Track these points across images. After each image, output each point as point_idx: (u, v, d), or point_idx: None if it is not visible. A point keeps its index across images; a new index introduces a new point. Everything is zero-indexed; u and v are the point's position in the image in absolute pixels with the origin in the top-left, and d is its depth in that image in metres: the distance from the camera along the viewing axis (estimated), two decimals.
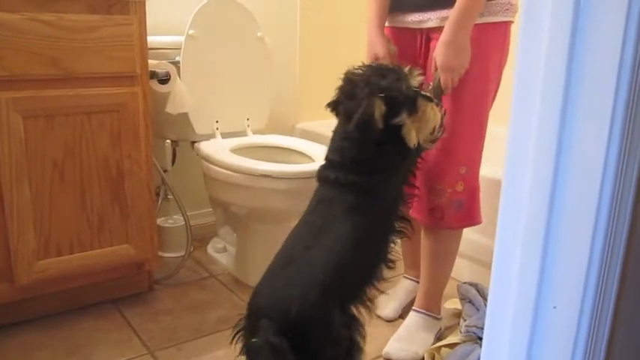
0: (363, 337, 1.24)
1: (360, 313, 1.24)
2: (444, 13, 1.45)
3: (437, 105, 1.34)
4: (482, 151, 1.57)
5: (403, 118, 1.27)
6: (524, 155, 0.70)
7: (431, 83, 1.44)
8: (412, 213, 1.59)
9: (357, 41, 1.98)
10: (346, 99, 1.32)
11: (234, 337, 1.23)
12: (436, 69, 1.43)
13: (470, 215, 1.57)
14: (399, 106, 1.26)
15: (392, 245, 1.34)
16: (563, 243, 0.68)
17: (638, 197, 0.65)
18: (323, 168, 1.35)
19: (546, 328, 0.71)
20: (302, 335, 1.12)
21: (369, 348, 1.44)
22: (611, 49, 0.60)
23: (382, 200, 1.31)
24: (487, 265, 1.89)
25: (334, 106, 1.38)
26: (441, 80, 1.41)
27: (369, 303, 1.26)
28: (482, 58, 1.44)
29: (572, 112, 0.65)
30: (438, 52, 1.41)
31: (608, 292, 0.68)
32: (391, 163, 1.32)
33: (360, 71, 1.33)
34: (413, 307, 1.70)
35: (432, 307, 1.67)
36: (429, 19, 1.51)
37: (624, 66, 0.60)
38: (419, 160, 1.43)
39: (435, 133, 1.34)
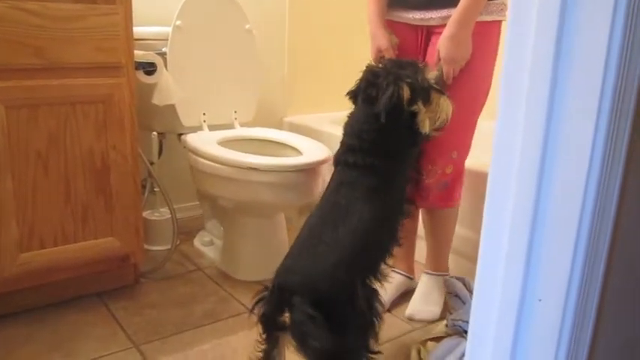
0: (382, 306, 1.35)
1: (376, 285, 1.34)
2: (444, 12, 1.56)
3: (448, 97, 1.46)
4: (472, 138, 1.70)
5: (419, 106, 1.39)
6: (510, 150, 0.70)
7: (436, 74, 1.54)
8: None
9: (346, 34, 1.97)
10: (367, 87, 1.42)
11: (253, 307, 1.26)
12: (439, 60, 1.53)
13: (451, 196, 1.71)
14: (416, 95, 1.38)
15: (401, 225, 1.45)
16: (549, 237, 0.68)
17: (624, 191, 0.65)
18: (341, 152, 1.44)
19: (531, 321, 0.71)
20: (331, 309, 1.18)
21: None
22: (598, 45, 0.60)
23: (395, 183, 1.42)
24: (473, 260, 1.90)
25: (354, 95, 1.47)
26: (444, 71, 1.53)
27: (381, 276, 1.36)
28: (481, 53, 1.56)
29: (558, 108, 0.64)
30: (442, 45, 1.51)
31: (593, 285, 0.68)
32: (404, 148, 1.44)
33: (381, 64, 1.46)
34: (424, 271, 1.85)
35: (440, 267, 1.83)
36: (430, 17, 1.62)
37: (611, 61, 0.60)
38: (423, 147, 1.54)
39: (445, 122, 1.45)
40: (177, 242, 2.11)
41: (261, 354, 1.26)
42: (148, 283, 1.93)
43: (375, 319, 1.29)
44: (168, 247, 2.04)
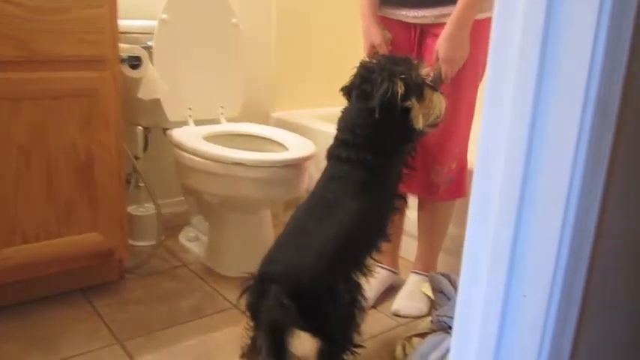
0: (365, 299, 1.36)
1: (361, 279, 1.36)
2: (437, 10, 1.59)
3: (441, 94, 1.47)
4: (470, 131, 1.74)
5: (413, 102, 1.40)
6: (496, 147, 0.70)
7: (432, 73, 1.54)
8: (412, 189, 1.74)
9: (333, 30, 1.96)
10: (362, 83, 1.42)
11: (240, 296, 1.30)
12: (437, 60, 1.55)
13: (459, 188, 1.77)
14: (409, 91, 1.39)
15: (390, 221, 1.46)
16: (533, 233, 0.69)
17: (608, 188, 0.66)
18: (334, 147, 1.44)
19: (516, 316, 0.71)
20: (311, 301, 1.21)
21: None
22: (584, 42, 0.60)
23: (386, 179, 1.43)
24: (458, 255, 1.91)
25: (348, 90, 1.47)
26: (442, 71, 1.54)
27: (366, 270, 1.38)
28: (478, 51, 1.59)
29: (543, 107, 0.65)
30: (441, 45, 1.53)
31: (577, 281, 0.68)
32: (397, 144, 1.45)
33: (375, 60, 1.46)
34: (412, 270, 1.88)
35: (430, 267, 1.86)
36: (423, 15, 1.64)
37: (596, 59, 0.60)
38: (417, 144, 1.56)
39: (438, 119, 1.46)
40: (162, 238, 2.10)
41: (249, 342, 1.30)
42: (132, 279, 1.91)
43: (357, 313, 1.31)
44: (153, 242, 2.02)
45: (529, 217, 0.68)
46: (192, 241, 2.22)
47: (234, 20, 2.20)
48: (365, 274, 1.37)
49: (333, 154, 1.44)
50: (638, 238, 0.82)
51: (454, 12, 1.51)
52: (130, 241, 2.00)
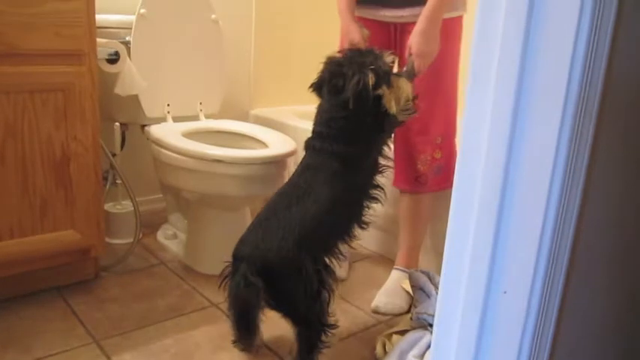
0: (335, 281, 1.44)
1: (332, 263, 1.43)
2: (416, 10, 1.62)
3: (410, 81, 1.54)
4: (455, 123, 1.80)
5: (384, 89, 1.45)
6: (477, 145, 0.70)
7: (405, 67, 1.62)
8: (399, 184, 1.84)
9: (312, 28, 1.96)
10: (332, 78, 1.47)
11: (221, 284, 1.41)
12: (410, 54, 1.60)
13: (448, 178, 1.79)
14: (379, 80, 1.44)
15: (366, 209, 1.52)
16: (514, 230, 0.69)
17: (587, 186, 0.66)
18: (310, 139, 1.51)
19: (496, 312, 0.72)
20: (277, 278, 1.32)
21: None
22: (564, 41, 0.61)
23: (361, 168, 1.49)
24: (437, 252, 1.92)
25: (317, 86, 1.53)
26: (415, 65, 1.59)
27: (340, 255, 1.46)
28: (451, 46, 1.69)
29: (524, 106, 0.65)
30: (413, 40, 1.59)
31: (557, 278, 0.69)
32: (371, 134, 1.50)
33: (341, 54, 1.51)
34: (394, 267, 1.91)
35: (411, 264, 1.90)
36: (401, 15, 1.70)
37: (577, 56, 0.61)
38: (393, 134, 1.63)
39: (409, 103, 1.52)
40: (140, 235, 2.07)
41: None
42: (109, 277, 1.88)
43: (325, 293, 1.38)
44: (131, 240, 1.99)
45: (510, 213, 0.69)
46: (171, 239, 2.19)
47: (213, 16, 2.18)
48: (337, 258, 1.45)
49: (309, 145, 1.51)
50: (617, 233, 0.84)
51: (425, 9, 1.57)
52: (107, 239, 1.97)
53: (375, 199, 1.55)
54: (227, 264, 1.41)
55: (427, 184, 1.79)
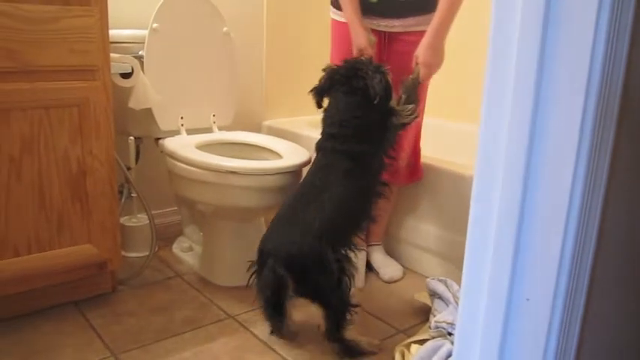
0: (355, 268, 1.56)
1: (348, 253, 1.55)
2: (407, 21, 1.77)
3: (414, 88, 1.69)
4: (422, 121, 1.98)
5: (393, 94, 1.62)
6: (496, 151, 0.69)
7: (411, 75, 1.71)
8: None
9: (323, 38, 1.97)
10: (347, 80, 1.58)
11: (249, 280, 1.59)
12: (416, 64, 1.70)
13: (417, 171, 1.98)
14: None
15: (374, 204, 1.63)
16: (536, 236, 0.68)
17: (609, 191, 0.65)
18: (322, 140, 1.62)
19: (519, 320, 0.70)
20: (302, 268, 1.45)
21: None
22: (583, 42, 0.60)
23: (369, 167, 1.59)
24: (454, 261, 1.90)
25: (318, 92, 1.65)
26: (420, 74, 1.69)
27: (354, 247, 1.57)
28: None
29: (542, 110, 0.64)
30: (421, 52, 1.70)
31: (580, 284, 0.67)
32: (379, 134, 1.61)
33: (343, 64, 1.63)
34: (374, 243, 2.12)
35: (381, 238, 2.15)
36: (394, 25, 1.81)
37: (595, 59, 0.60)
38: (397, 135, 1.71)
39: (412, 107, 1.66)
40: (156, 248, 2.07)
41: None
42: (125, 291, 1.89)
43: (346, 279, 1.50)
44: (147, 253, 2.00)
45: (531, 219, 0.68)
46: (186, 251, 2.20)
47: (225, 29, 2.19)
48: (352, 249, 1.56)
49: (320, 147, 1.61)
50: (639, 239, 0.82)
51: (434, 23, 1.69)
52: (123, 253, 1.98)
53: (382, 195, 1.66)
54: (250, 262, 1.58)
55: (400, 179, 1.97)
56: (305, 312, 1.68)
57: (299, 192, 1.58)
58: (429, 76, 1.73)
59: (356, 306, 1.54)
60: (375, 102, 1.53)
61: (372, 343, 1.59)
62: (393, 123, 1.62)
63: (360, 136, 1.56)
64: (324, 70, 1.67)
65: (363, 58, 1.66)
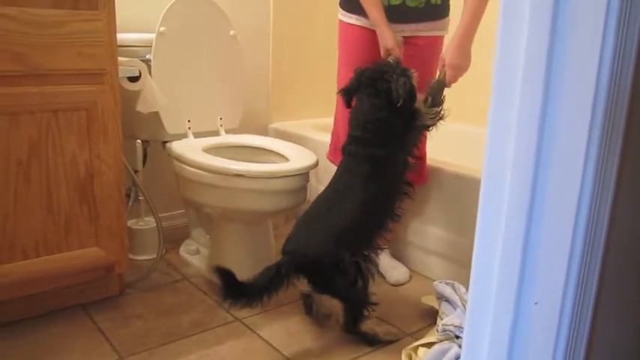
0: (376, 269, 1.66)
1: (370, 253, 1.61)
2: (417, 26, 1.80)
3: (440, 90, 1.73)
4: None
5: (418, 95, 1.64)
6: (503, 155, 0.69)
7: (437, 77, 1.76)
8: None
9: (330, 41, 1.97)
10: (373, 82, 1.59)
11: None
12: (442, 66, 1.75)
13: (422, 174, 1.97)
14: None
15: (398, 204, 1.66)
16: (544, 239, 0.67)
17: (618, 195, 0.65)
18: (347, 144, 1.65)
19: (527, 324, 0.70)
20: (317, 270, 1.54)
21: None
22: (591, 48, 0.60)
23: (392, 169, 1.63)
24: (461, 263, 1.89)
25: (347, 91, 1.66)
26: (447, 75, 1.73)
27: (377, 247, 1.64)
28: (434, 60, 1.85)
29: (552, 112, 0.64)
30: (448, 54, 1.74)
31: (589, 288, 0.67)
32: (400, 136, 1.63)
33: (371, 66, 1.65)
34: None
35: (390, 243, 2.15)
36: (402, 29, 1.83)
37: (604, 65, 0.59)
38: (422, 137, 1.76)
39: (438, 108, 1.68)
40: (163, 251, 2.08)
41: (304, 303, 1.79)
42: (133, 294, 1.89)
43: (361, 279, 1.56)
44: (154, 256, 2.01)
45: (539, 222, 0.67)
46: (193, 254, 2.20)
47: (232, 32, 2.20)
48: (374, 249, 1.61)
49: (344, 150, 1.65)
50: None
51: (461, 27, 1.73)
52: (131, 256, 1.98)
53: (406, 195, 1.69)
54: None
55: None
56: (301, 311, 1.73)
57: (323, 196, 1.63)
58: (455, 78, 1.75)
59: (374, 304, 1.61)
60: (398, 105, 1.54)
61: (390, 332, 1.67)
62: (417, 125, 1.65)
63: (383, 139, 1.59)
64: (354, 71, 1.69)
65: (391, 59, 1.69)
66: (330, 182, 1.65)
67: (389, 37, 1.75)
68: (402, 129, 1.62)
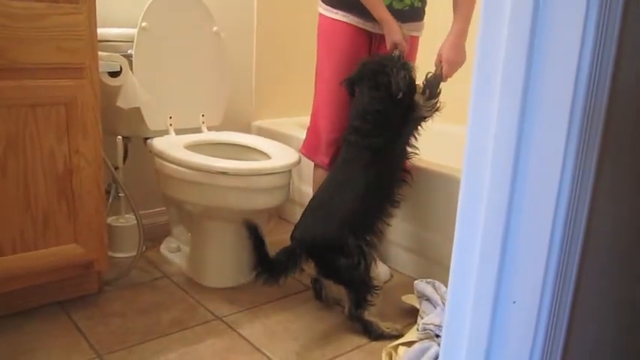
0: (378, 252, 1.77)
1: (374, 239, 1.69)
2: (405, 26, 1.82)
3: (436, 84, 1.80)
4: None
5: (417, 87, 1.73)
6: (482, 153, 0.69)
7: (434, 72, 1.83)
8: None
9: (313, 39, 1.96)
10: (374, 75, 1.68)
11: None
12: (440, 62, 1.84)
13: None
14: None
15: (397, 191, 1.76)
16: (523, 239, 0.68)
17: (596, 194, 0.65)
18: (347, 134, 1.73)
19: (506, 323, 0.70)
20: (324, 254, 1.63)
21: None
22: (570, 47, 0.60)
23: (390, 157, 1.73)
24: (441, 263, 1.90)
25: (350, 82, 1.74)
26: (444, 70, 1.82)
27: (379, 233, 1.73)
28: (414, 59, 1.96)
29: (531, 110, 0.64)
30: (444, 50, 1.83)
31: (567, 287, 0.68)
32: (398, 127, 1.71)
33: (374, 59, 1.75)
34: None
35: None
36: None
37: (583, 63, 0.60)
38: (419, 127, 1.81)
39: (434, 101, 1.76)
40: (143, 249, 2.06)
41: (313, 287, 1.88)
42: (112, 292, 1.87)
43: (362, 259, 1.62)
44: (134, 254, 1.98)
45: (518, 221, 0.68)
46: (174, 252, 2.18)
47: (215, 29, 2.18)
48: (376, 235, 1.70)
49: (345, 140, 1.73)
50: (625, 240, 0.82)
51: (456, 26, 1.83)
52: (110, 253, 1.96)
53: (405, 182, 1.79)
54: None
55: None
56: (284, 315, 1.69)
57: (326, 184, 1.73)
58: (451, 72, 1.84)
59: (377, 288, 1.66)
60: (398, 97, 1.63)
61: (394, 327, 1.69)
62: (415, 116, 1.73)
63: (381, 130, 1.68)
64: (359, 62, 1.76)
65: (394, 53, 1.76)
66: (332, 172, 1.77)
67: (397, 32, 1.80)
68: (400, 120, 1.70)
